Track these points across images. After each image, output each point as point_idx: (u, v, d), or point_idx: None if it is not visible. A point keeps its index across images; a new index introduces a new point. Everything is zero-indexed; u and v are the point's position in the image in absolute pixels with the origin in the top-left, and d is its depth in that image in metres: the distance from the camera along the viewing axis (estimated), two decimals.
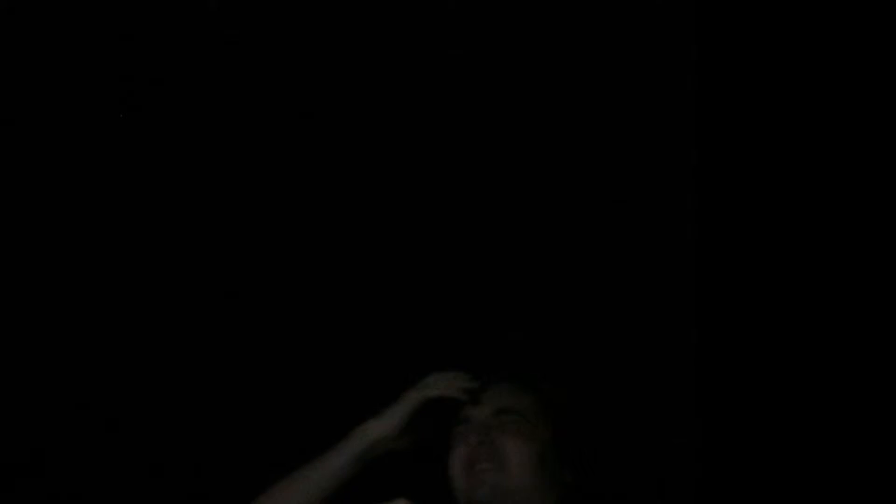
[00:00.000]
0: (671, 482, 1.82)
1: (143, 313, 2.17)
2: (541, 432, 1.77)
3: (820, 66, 1.72)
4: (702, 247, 1.73)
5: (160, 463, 2.17)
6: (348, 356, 2.20)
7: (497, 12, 2.02)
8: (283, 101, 2.10)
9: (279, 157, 2.13)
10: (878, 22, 1.70)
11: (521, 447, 1.75)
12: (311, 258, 2.18)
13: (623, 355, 1.97)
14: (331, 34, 2.08)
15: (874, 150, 1.69)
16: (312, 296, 2.20)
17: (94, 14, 2.08)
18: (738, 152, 1.72)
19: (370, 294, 2.16)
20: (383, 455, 1.82)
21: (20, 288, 2.11)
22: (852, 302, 1.69)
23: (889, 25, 1.70)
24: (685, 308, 1.82)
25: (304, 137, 2.11)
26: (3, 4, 2.10)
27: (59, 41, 2.09)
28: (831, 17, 1.71)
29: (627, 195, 1.95)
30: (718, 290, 1.72)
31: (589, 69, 2.00)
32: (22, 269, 2.11)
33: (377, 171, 2.09)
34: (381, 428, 1.81)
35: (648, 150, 1.92)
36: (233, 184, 2.16)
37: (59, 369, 2.14)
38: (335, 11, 2.08)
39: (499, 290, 2.10)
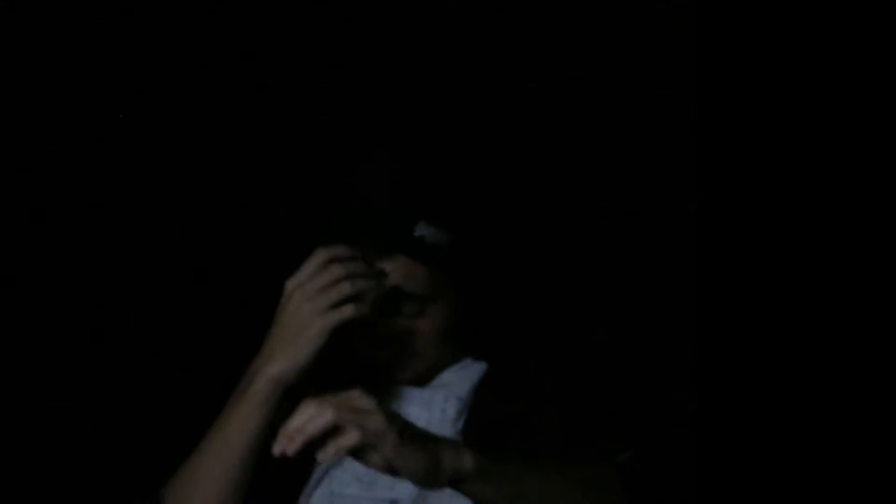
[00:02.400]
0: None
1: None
2: (440, 310, 1.54)
3: (821, 65, 1.72)
4: (703, 245, 1.73)
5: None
6: None
7: (495, 11, 2.03)
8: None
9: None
10: (879, 21, 1.70)
11: (419, 348, 1.55)
12: None
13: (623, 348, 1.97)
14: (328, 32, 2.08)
15: (875, 149, 1.69)
16: None
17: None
18: (740, 149, 1.72)
19: None
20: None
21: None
22: (853, 302, 1.69)
23: (889, 25, 1.70)
24: (685, 307, 1.82)
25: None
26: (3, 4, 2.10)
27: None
28: (832, 16, 1.71)
29: (627, 190, 1.95)
30: (719, 287, 1.72)
31: (589, 66, 2.00)
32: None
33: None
34: (290, 370, 1.44)
35: (649, 144, 1.92)
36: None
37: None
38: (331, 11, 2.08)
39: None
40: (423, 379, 1.61)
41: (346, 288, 1.43)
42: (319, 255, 1.46)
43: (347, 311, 1.44)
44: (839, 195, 1.68)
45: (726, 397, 1.63)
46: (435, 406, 1.57)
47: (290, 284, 1.45)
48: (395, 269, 1.50)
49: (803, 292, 1.68)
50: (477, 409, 1.56)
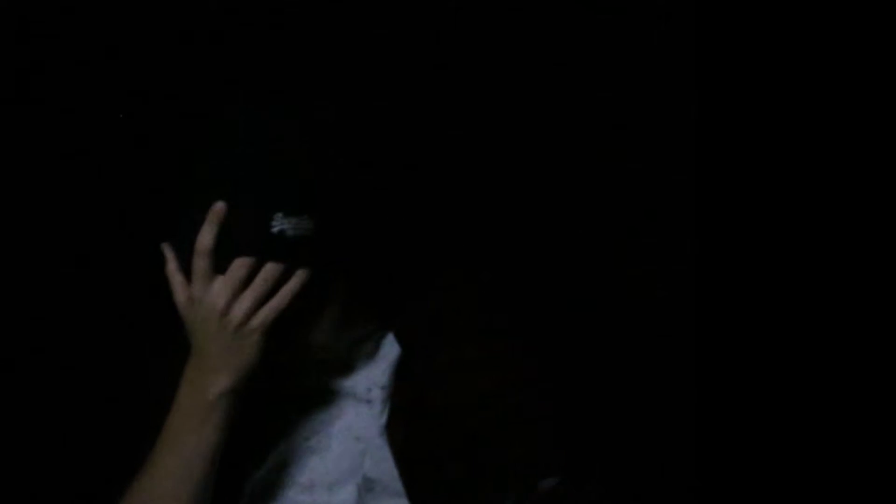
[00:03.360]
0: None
1: None
2: (328, 302, 1.35)
3: (820, 65, 1.71)
4: (703, 242, 1.72)
5: None
6: None
7: (496, 9, 2.03)
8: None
9: None
10: (880, 20, 1.70)
11: (318, 343, 1.38)
12: None
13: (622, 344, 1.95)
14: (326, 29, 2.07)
15: (875, 148, 1.68)
16: None
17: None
18: (740, 146, 1.72)
19: None
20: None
21: None
22: (854, 302, 1.68)
23: (889, 25, 1.69)
24: (685, 307, 1.81)
25: None
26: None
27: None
28: (831, 16, 1.71)
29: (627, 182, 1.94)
30: (719, 286, 1.71)
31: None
32: None
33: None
34: (243, 378, 1.33)
35: (649, 136, 1.91)
36: None
37: None
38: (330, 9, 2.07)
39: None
40: (345, 359, 1.47)
41: (261, 285, 1.30)
42: (203, 250, 1.31)
43: (278, 302, 1.32)
44: (839, 195, 1.68)
45: (724, 397, 1.63)
46: (359, 395, 1.47)
47: (207, 295, 1.32)
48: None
49: (803, 292, 1.67)
50: (398, 398, 1.44)
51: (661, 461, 1.83)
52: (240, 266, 1.31)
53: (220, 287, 1.30)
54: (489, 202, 2.02)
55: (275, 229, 1.29)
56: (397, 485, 1.41)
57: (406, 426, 1.41)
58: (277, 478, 1.48)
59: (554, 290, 1.97)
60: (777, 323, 1.64)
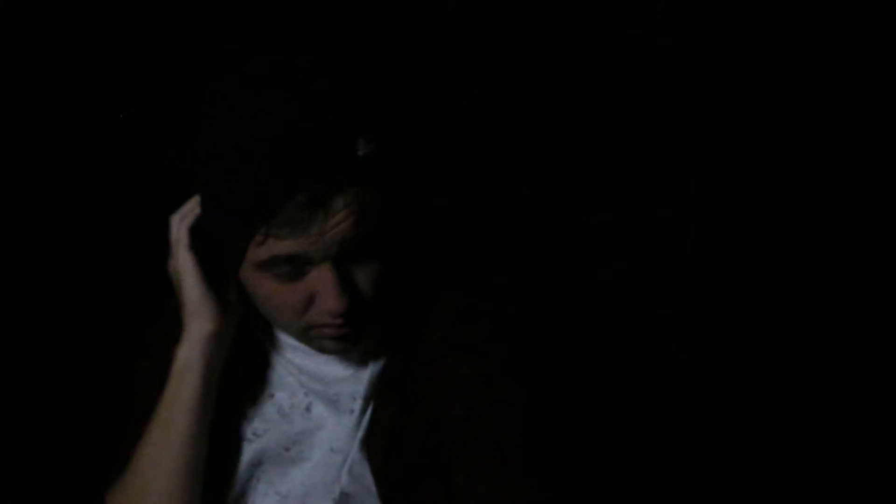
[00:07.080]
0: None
1: None
2: (387, 247, 1.27)
3: (820, 64, 1.72)
4: (704, 243, 1.73)
5: None
6: None
7: (498, 8, 2.03)
8: None
9: None
10: (880, 20, 1.70)
11: (377, 301, 1.29)
12: None
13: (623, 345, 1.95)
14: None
15: (875, 147, 1.69)
16: None
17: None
18: (741, 144, 1.72)
19: None
20: None
21: None
22: (853, 301, 1.69)
23: (889, 25, 1.70)
24: (685, 306, 1.82)
25: None
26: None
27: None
28: (833, 14, 1.71)
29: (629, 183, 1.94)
30: (720, 285, 1.72)
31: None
32: None
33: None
34: (218, 323, 1.34)
35: (651, 135, 1.91)
36: None
37: None
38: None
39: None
40: (330, 368, 1.43)
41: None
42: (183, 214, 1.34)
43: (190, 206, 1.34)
44: (839, 197, 1.68)
45: (726, 398, 1.63)
46: (342, 406, 1.43)
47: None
48: (351, 207, 1.24)
49: (803, 291, 1.68)
50: (381, 412, 1.40)
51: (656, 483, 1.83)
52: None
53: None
54: (485, 208, 2.02)
55: (361, 152, 1.24)
56: (374, 501, 1.39)
57: (387, 442, 1.38)
58: (257, 488, 1.45)
59: (546, 303, 1.95)
60: (776, 328, 1.64)
